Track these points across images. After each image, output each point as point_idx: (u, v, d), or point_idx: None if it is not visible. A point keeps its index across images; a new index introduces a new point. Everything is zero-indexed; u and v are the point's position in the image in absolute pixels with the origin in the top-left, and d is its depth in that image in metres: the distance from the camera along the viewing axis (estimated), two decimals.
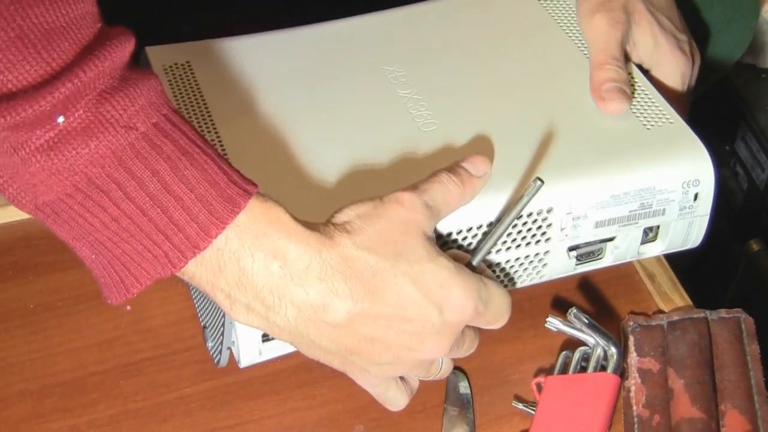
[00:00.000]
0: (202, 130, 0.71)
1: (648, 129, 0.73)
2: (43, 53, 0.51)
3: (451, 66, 0.78)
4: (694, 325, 0.72)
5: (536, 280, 0.73)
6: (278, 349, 0.67)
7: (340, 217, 0.60)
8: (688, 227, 0.74)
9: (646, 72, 0.79)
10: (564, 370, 0.71)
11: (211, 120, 0.72)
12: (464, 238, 0.67)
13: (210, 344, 0.69)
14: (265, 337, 0.66)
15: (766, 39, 1.25)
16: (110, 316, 0.74)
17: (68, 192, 0.54)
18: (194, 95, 0.74)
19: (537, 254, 0.71)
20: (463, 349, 0.64)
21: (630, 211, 0.71)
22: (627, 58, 0.78)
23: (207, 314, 0.69)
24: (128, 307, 0.74)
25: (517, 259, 0.70)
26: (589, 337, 0.70)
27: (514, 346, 0.74)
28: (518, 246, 0.69)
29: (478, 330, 0.65)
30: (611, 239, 0.72)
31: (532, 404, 0.69)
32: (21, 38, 0.50)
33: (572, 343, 0.72)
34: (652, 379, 0.70)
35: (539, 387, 0.70)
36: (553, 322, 0.71)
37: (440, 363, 0.65)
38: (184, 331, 0.73)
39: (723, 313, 0.73)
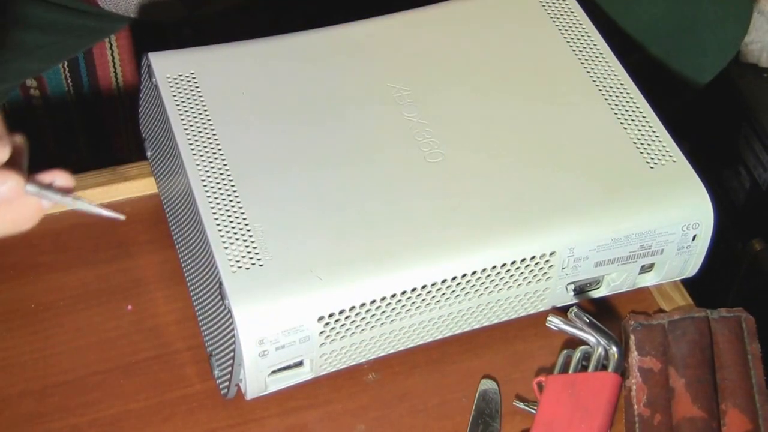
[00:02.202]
0: (206, 145, 0.71)
1: (651, 168, 0.73)
2: None
3: (456, 84, 0.77)
4: (695, 324, 0.72)
5: (532, 311, 0.73)
6: (283, 381, 0.68)
7: None
8: (684, 263, 0.75)
9: None
10: (565, 369, 0.71)
11: (215, 136, 0.72)
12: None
13: (216, 373, 0.69)
14: (272, 372, 0.67)
15: (767, 38, 1.25)
16: (111, 316, 0.74)
17: None
18: (198, 109, 0.74)
19: (536, 291, 0.71)
20: None
21: (630, 252, 0.72)
22: None
23: (214, 341, 0.69)
24: (129, 307, 0.75)
25: (517, 296, 0.71)
26: (590, 336, 0.70)
27: (514, 345, 0.74)
28: (519, 285, 0.70)
29: None
30: (609, 274, 0.73)
31: (533, 403, 0.69)
32: None
33: (573, 342, 0.72)
34: (653, 379, 0.70)
35: (540, 386, 0.69)
36: (554, 321, 0.71)
37: None
38: (185, 330, 0.73)
39: (724, 312, 0.73)
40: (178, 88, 0.75)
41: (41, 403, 0.69)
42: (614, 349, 0.70)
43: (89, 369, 0.71)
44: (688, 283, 0.77)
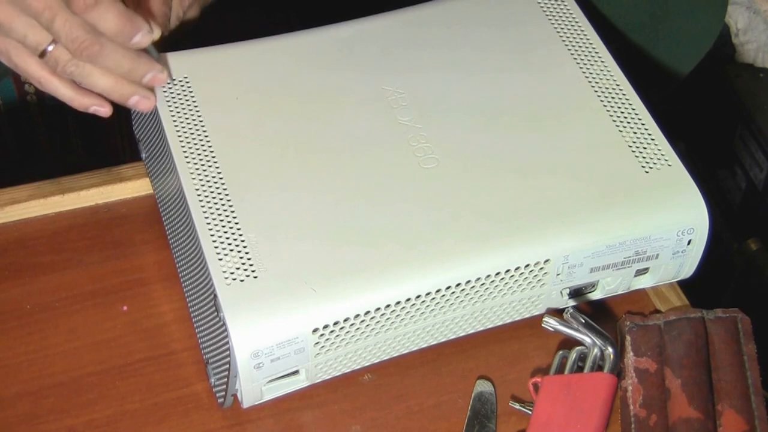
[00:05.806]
0: (199, 153, 0.71)
1: (647, 172, 0.72)
2: None
3: (451, 86, 0.77)
4: (690, 324, 0.72)
5: (527, 315, 0.73)
6: (279, 389, 0.68)
7: None
8: (679, 266, 0.74)
9: None
10: (561, 369, 0.71)
11: (209, 145, 0.72)
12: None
13: (213, 381, 0.69)
14: (269, 381, 0.67)
15: (763, 39, 1.25)
16: (107, 317, 0.74)
17: None
18: (191, 116, 0.73)
19: (531, 297, 0.71)
20: None
21: (625, 257, 0.72)
22: None
23: (210, 350, 0.69)
24: (125, 308, 0.74)
25: (512, 302, 0.71)
26: (586, 337, 0.70)
27: (510, 346, 0.74)
28: (513, 292, 0.70)
29: None
30: (604, 278, 0.73)
31: (529, 404, 0.69)
32: None
33: (569, 343, 0.72)
34: (649, 379, 0.70)
35: (536, 387, 0.69)
36: (550, 322, 0.71)
37: None
38: (180, 331, 0.73)
39: (720, 312, 0.73)
40: (171, 93, 0.74)
41: (36, 404, 0.69)
42: (610, 349, 0.70)
43: (84, 370, 0.71)
44: (684, 284, 0.77)
